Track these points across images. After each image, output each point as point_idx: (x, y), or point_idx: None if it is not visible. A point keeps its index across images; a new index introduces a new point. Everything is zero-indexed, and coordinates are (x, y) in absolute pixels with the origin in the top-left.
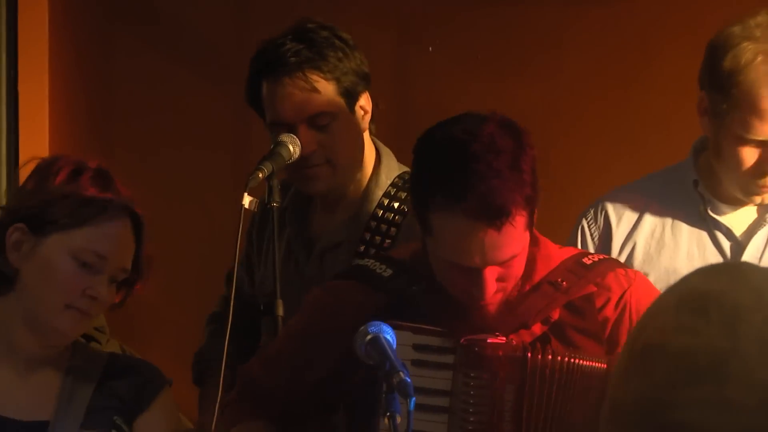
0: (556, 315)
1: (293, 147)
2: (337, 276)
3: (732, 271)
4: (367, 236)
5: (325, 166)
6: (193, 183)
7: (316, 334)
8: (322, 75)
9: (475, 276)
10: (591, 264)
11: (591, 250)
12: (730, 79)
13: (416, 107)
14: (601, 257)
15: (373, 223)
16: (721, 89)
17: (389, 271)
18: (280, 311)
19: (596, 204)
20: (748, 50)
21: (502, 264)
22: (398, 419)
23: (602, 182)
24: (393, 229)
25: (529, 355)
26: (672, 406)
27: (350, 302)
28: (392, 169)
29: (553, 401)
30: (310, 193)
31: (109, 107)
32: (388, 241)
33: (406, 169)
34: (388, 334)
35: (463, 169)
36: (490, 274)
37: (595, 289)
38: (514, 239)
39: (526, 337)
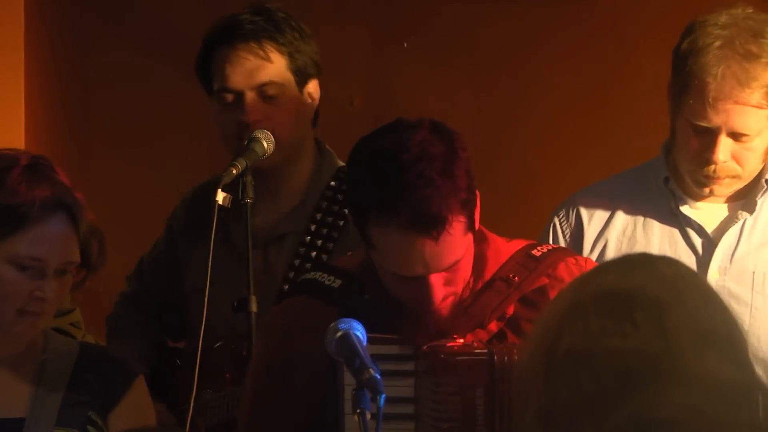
0: (510, 310)
1: (267, 143)
2: (287, 293)
3: (644, 264)
4: (313, 227)
5: (267, 137)
6: (169, 177)
7: (285, 363)
8: (276, 46)
9: (422, 284)
10: (541, 256)
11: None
12: (684, 61)
13: (392, 103)
14: (550, 247)
15: (318, 215)
16: (676, 71)
17: (338, 282)
18: (254, 307)
19: (568, 202)
20: (708, 35)
21: (446, 270)
22: (368, 416)
23: (576, 180)
24: (341, 221)
25: (495, 357)
26: (610, 412)
27: (304, 321)
28: (334, 162)
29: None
30: (253, 162)
31: (85, 103)
32: (335, 233)
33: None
34: (359, 331)
35: (394, 181)
36: (436, 280)
37: (547, 280)
38: (454, 245)
39: (482, 335)
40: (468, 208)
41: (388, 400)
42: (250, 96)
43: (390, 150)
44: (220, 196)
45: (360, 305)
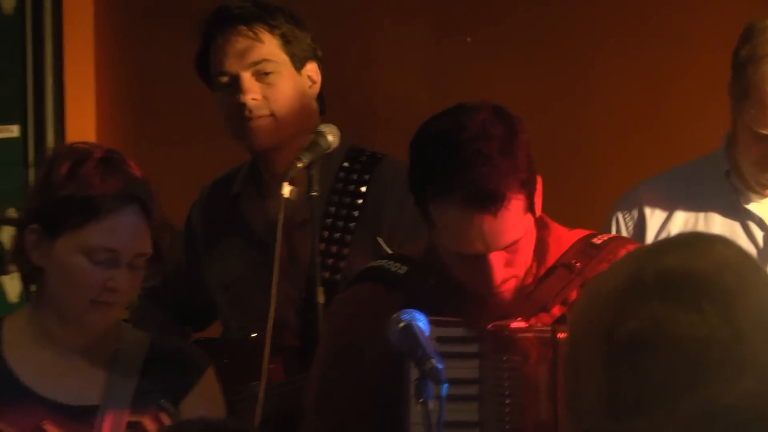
0: (573, 296)
1: (332, 137)
2: (353, 281)
3: (704, 246)
4: (332, 209)
5: (268, 119)
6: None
7: (352, 349)
8: (266, 28)
9: (482, 263)
10: (601, 243)
11: None
12: (744, 68)
13: (454, 98)
14: (611, 236)
15: (335, 197)
16: (736, 75)
17: (404, 269)
18: (321, 299)
19: (630, 195)
20: (766, 44)
21: (506, 249)
22: (431, 405)
23: (636, 172)
24: (359, 200)
25: (558, 335)
26: (681, 399)
27: (369, 307)
28: (342, 145)
29: None
30: (254, 149)
31: (151, 98)
32: (355, 212)
33: (352, 144)
34: (421, 322)
35: (452, 158)
36: (497, 259)
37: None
38: (512, 223)
39: (545, 319)
40: (527, 189)
41: (452, 382)
42: (245, 76)
43: (450, 129)
44: (287, 190)
45: (425, 290)
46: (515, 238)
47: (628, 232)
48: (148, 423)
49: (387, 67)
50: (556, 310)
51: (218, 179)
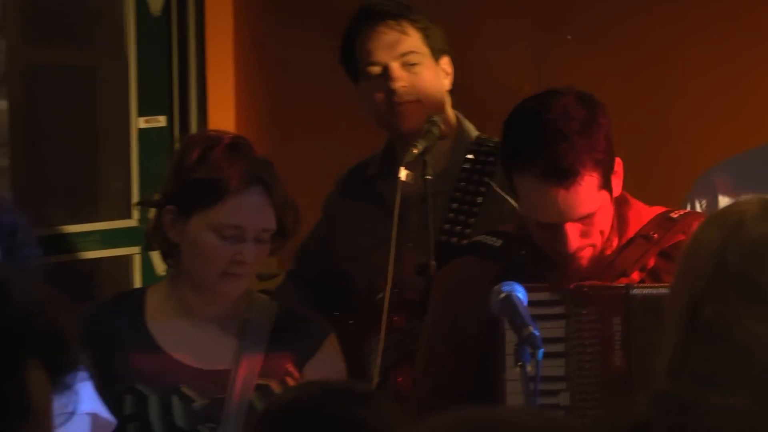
0: (651, 263)
1: (444, 126)
2: (457, 253)
3: None
4: (458, 194)
5: (415, 104)
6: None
7: (455, 314)
8: (411, 23)
9: (559, 231)
10: (678, 217)
11: None
12: None
13: None
14: (687, 211)
15: (462, 184)
16: None
17: (499, 242)
18: (433, 267)
19: (703, 179)
20: None
21: (580, 220)
22: (528, 368)
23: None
24: (482, 187)
25: (631, 291)
26: (734, 389)
27: (469, 277)
28: (472, 131)
29: (657, 328)
30: (401, 131)
31: (286, 93)
32: (478, 198)
33: (481, 134)
34: (520, 293)
35: (534, 135)
36: (572, 229)
37: (683, 237)
38: (585, 198)
39: (625, 282)
40: (602, 167)
41: (542, 341)
42: (395, 66)
43: (536, 110)
44: (403, 173)
45: (517, 261)
46: (588, 212)
47: (702, 211)
48: (275, 386)
49: (495, 63)
50: (635, 276)
51: (354, 166)
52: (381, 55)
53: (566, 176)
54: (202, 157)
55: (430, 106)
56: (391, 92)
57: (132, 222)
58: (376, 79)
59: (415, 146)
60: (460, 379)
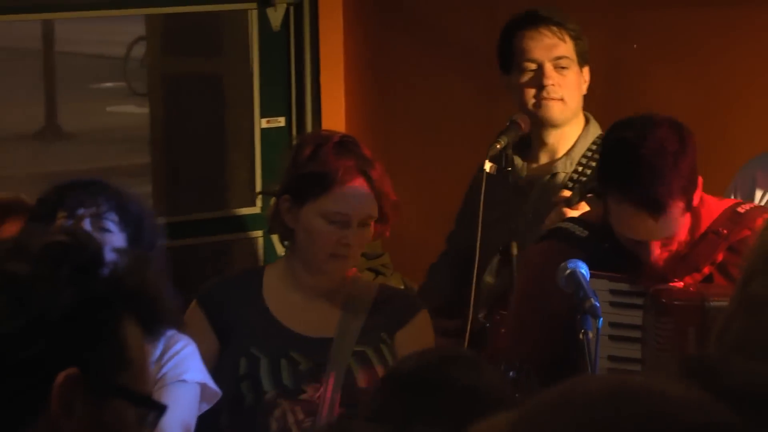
0: (720, 257)
1: (524, 124)
2: (544, 237)
3: None
4: (580, 168)
5: (558, 102)
6: (450, 155)
7: (542, 292)
8: (567, 32)
9: (644, 245)
10: (744, 212)
11: None
12: None
13: (622, 94)
14: (752, 206)
15: (583, 160)
16: None
17: (585, 233)
18: (515, 251)
19: (745, 168)
20: None
21: (663, 239)
22: (590, 335)
23: None
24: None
25: (706, 303)
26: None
27: (556, 261)
28: (596, 130)
29: None
30: (544, 122)
31: (391, 95)
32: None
33: (601, 132)
34: (583, 269)
35: (632, 170)
36: (655, 245)
37: (749, 232)
38: (672, 224)
39: (697, 277)
40: (687, 194)
41: (620, 326)
42: (548, 66)
43: (634, 143)
44: (488, 166)
45: (601, 252)
46: (672, 235)
47: (738, 196)
48: (371, 353)
49: None
50: (706, 270)
51: (493, 155)
52: (539, 54)
53: (657, 208)
54: (313, 154)
55: (570, 105)
56: (541, 88)
57: (256, 209)
58: (530, 74)
59: (498, 142)
60: (545, 349)
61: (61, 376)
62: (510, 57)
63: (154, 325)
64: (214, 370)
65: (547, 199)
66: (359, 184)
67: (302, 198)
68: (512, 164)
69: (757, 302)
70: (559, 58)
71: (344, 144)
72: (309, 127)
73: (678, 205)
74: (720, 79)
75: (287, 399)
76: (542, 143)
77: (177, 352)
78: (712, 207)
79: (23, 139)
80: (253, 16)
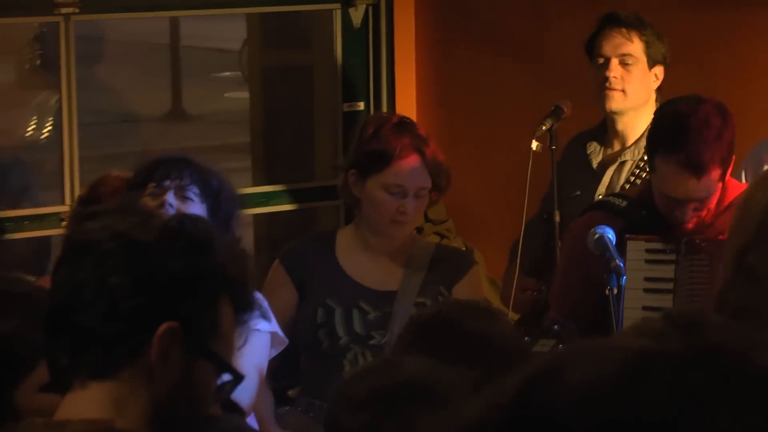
0: None
1: (567, 109)
2: (586, 209)
3: None
4: (645, 156)
5: (619, 93)
6: (504, 135)
7: (585, 256)
8: (638, 34)
9: (680, 204)
10: None
11: None
12: None
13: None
14: None
15: (637, 171)
16: None
17: (624, 203)
18: (557, 218)
19: (755, 149)
20: None
21: (698, 200)
22: (615, 291)
23: None
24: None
25: None
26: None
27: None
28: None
29: None
30: (605, 109)
31: (455, 85)
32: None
33: None
34: (610, 234)
35: (681, 133)
36: (689, 207)
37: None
38: (709, 187)
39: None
40: (725, 165)
41: (653, 279)
42: (614, 61)
43: (685, 112)
44: (534, 144)
45: (637, 219)
46: (707, 195)
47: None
48: (430, 304)
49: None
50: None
51: (573, 138)
52: (606, 50)
53: (699, 170)
54: (375, 133)
55: (632, 97)
56: (605, 79)
57: (338, 181)
58: (599, 66)
59: (544, 124)
60: (585, 307)
61: (162, 327)
62: (591, 50)
63: (243, 313)
64: (294, 319)
65: (615, 184)
66: (414, 160)
67: (366, 172)
68: (556, 143)
69: (755, 274)
70: (624, 55)
71: (402, 125)
72: (384, 110)
73: (716, 172)
74: (729, 73)
75: (358, 344)
76: (614, 131)
77: None
78: (735, 186)
79: (153, 120)
80: (337, 15)
